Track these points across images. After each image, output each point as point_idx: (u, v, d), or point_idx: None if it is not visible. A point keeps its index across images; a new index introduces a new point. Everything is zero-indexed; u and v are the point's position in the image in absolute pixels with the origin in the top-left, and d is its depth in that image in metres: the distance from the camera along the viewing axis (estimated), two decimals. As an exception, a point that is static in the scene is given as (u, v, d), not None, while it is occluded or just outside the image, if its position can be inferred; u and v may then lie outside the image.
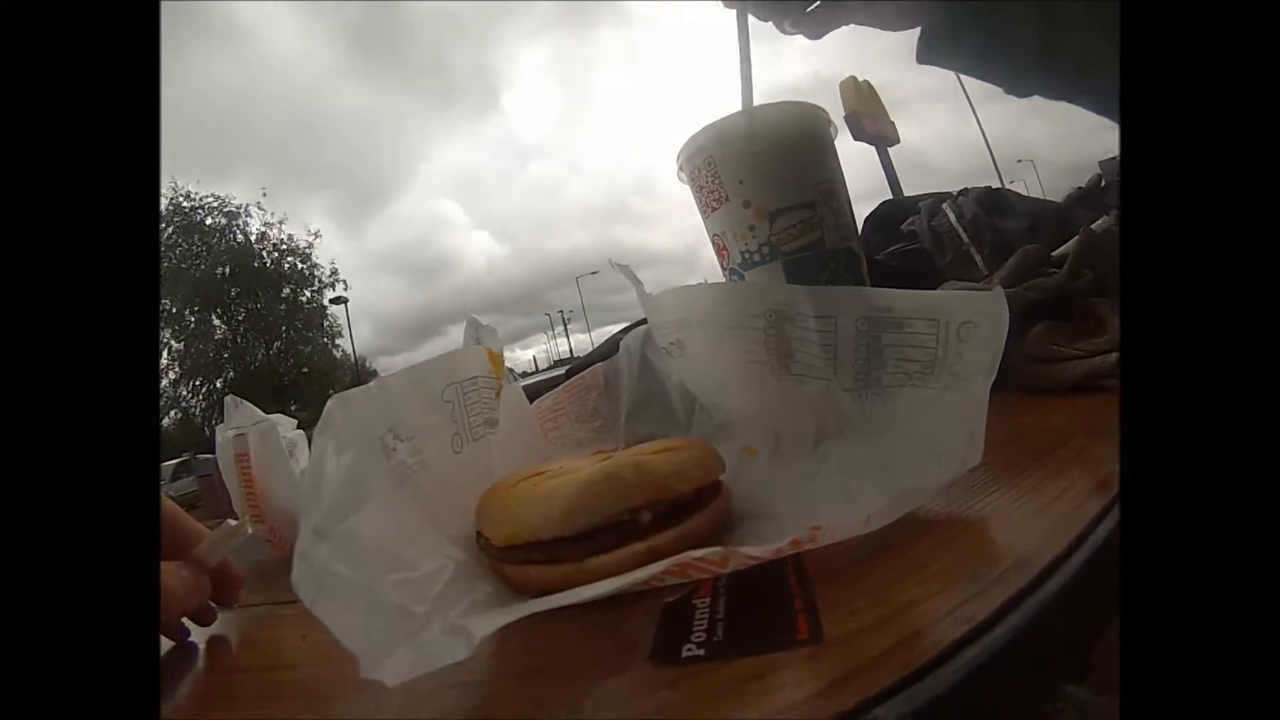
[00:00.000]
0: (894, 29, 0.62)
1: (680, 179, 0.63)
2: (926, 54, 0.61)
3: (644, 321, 0.71)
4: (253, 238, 23.28)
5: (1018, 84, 0.60)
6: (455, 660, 0.28)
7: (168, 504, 0.48)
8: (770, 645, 0.27)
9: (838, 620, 0.28)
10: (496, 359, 0.50)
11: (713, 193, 0.58)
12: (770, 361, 0.48)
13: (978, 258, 0.92)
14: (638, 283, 0.54)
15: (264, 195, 25.43)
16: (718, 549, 0.32)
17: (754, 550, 0.32)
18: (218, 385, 21.75)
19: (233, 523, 0.48)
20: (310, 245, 24.57)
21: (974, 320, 0.41)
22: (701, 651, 0.28)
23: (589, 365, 0.73)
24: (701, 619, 0.31)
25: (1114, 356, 0.56)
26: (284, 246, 23.93)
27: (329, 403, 0.35)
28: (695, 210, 0.61)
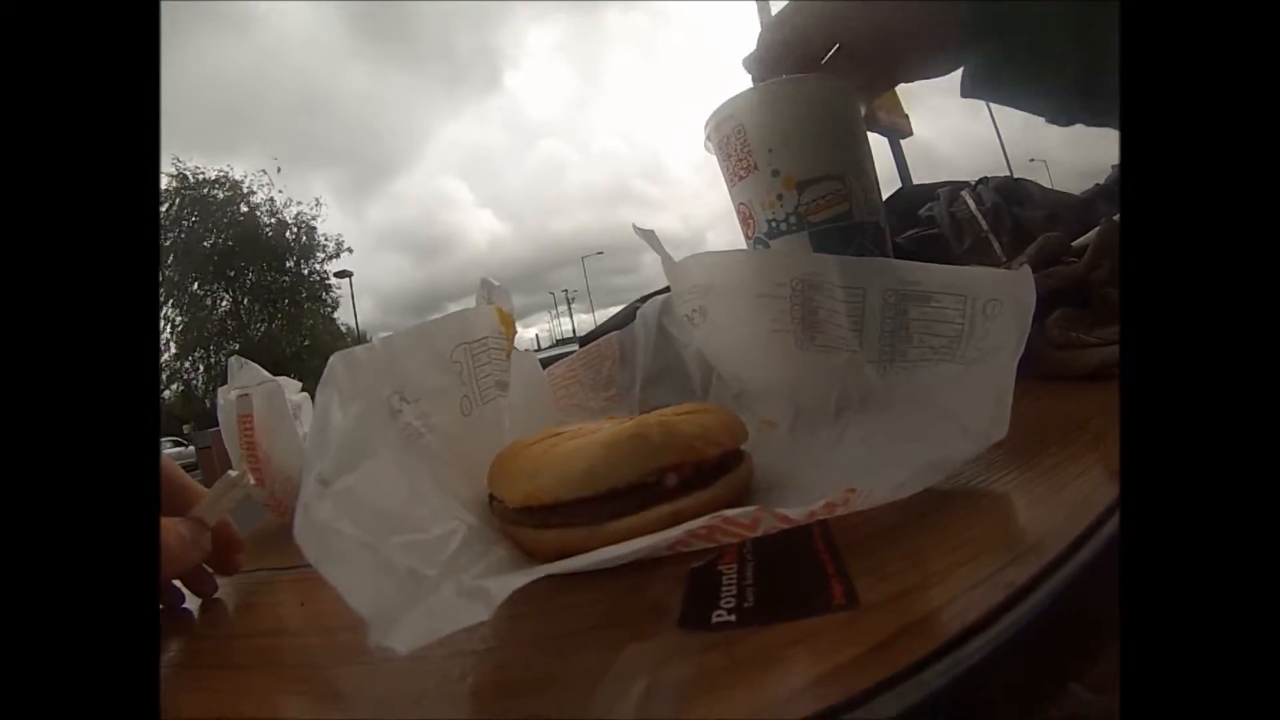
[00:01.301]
0: (941, 75, 0.62)
1: (707, 148, 0.62)
2: (971, 89, 0.60)
3: (661, 291, 0.70)
4: (257, 209, 23.26)
5: (1060, 115, 0.60)
6: (473, 623, 0.27)
7: (167, 463, 0.47)
8: (805, 610, 0.26)
9: (871, 586, 0.27)
10: (507, 318, 0.49)
11: (741, 161, 0.57)
12: (795, 331, 0.48)
13: (996, 245, 0.91)
14: (661, 248, 0.53)
15: (276, 164, 25.03)
16: (750, 509, 0.31)
17: (788, 511, 0.31)
18: (220, 358, 21.74)
19: (233, 473, 0.47)
20: (314, 217, 24.55)
21: (1000, 298, 0.40)
22: (733, 618, 0.27)
23: (605, 334, 0.72)
24: (730, 585, 0.30)
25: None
26: (288, 218, 23.92)
27: (332, 359, 0.34)
28: (702, 196, 0.61)
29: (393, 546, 0.30)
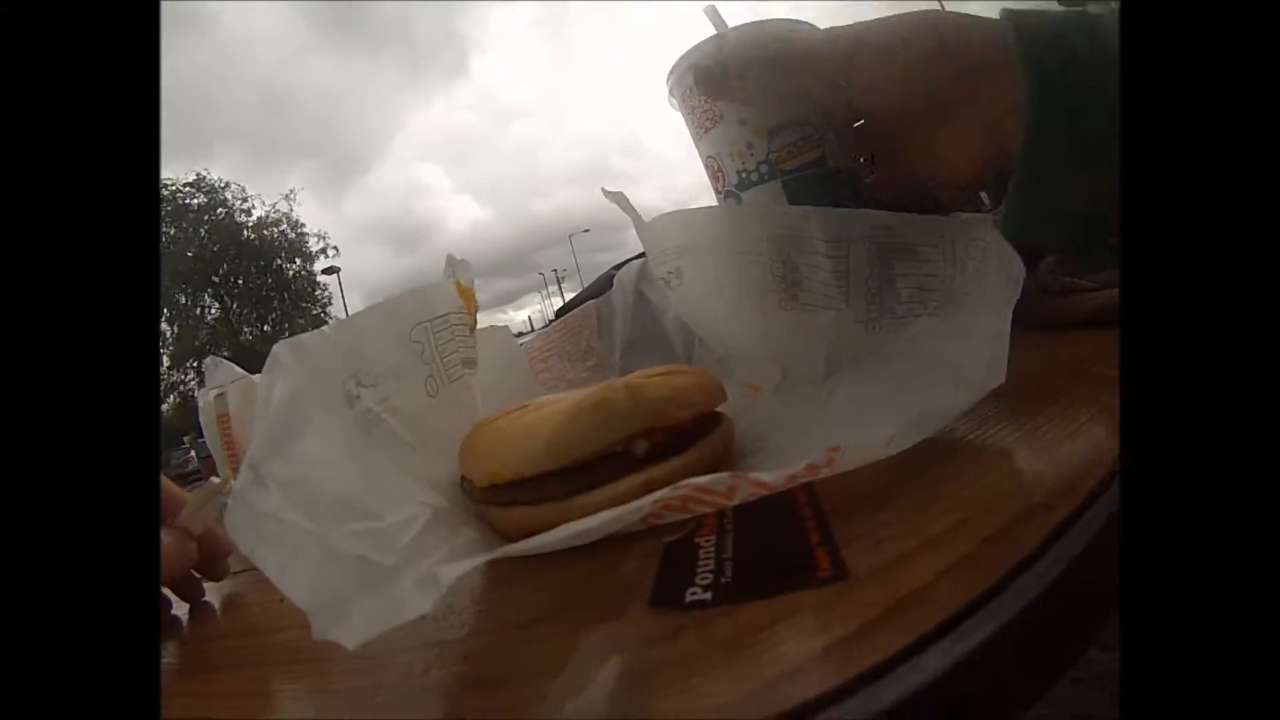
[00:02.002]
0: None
1: (671, 105, 0.59)
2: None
3: (637, 257, 0.68)
4: (234, 211, 23.18)
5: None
6: (418, 614, 0.25)
7: None
8: (787, 585, 0.24)
9: (861, 554, 0.25)
10: (467, 292, 0.47)
11: (705, 112, 0.54)
12: (777, 290, 0.46)
13: (983, 193, 0.90)
14: (632, 210, 0.51)
15: (224, 183, 24.70)
16: (723, 475, 0.29)
17: (765, 477, 0.29)
18: (214, 366, 21.72)
19: (215, 480, 0.46)
20: (291, 210, 24.40)
21: (983, 236, 0.38)
22: (708, 595, 0.25)
23: (582, 304, 0.70)
24: (707, 559, 0.28)
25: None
26: (268, 218, 23.81)
27: (276, 347, 0.33)
28: (683, 168, 0.57)
29: (343, 535, 0.28)
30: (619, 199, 0.50)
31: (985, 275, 0.38)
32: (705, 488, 0.29)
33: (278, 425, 0.30)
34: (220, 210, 22.81)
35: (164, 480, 0.47)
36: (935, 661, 0.20)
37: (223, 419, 0.70)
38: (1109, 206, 0.29)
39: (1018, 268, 0.36)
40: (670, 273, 0.52)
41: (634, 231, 0.51)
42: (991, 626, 0.21)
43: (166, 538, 0.43)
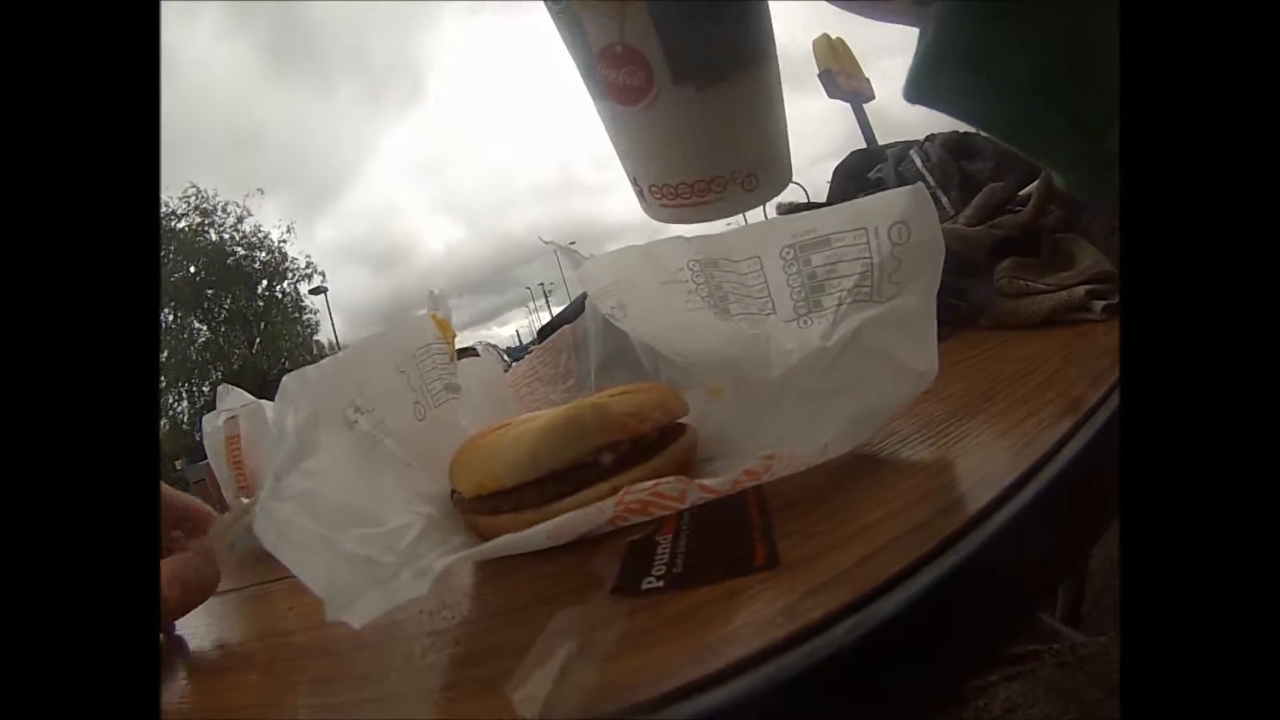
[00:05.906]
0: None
1: None
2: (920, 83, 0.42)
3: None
4: (223, 230, 22.88)
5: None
6: (414, 595, 0.29)
7: (167, 490, 0.48)
8: (728, 573, 0.28)
9: (796, 545, 0.29)
10: (443, 324, 0.49)
11: None
12: (710, 308, 0.47)
13: (944, 199, 0.91)
14: (568, 255, 0.53)
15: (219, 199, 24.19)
16: (672, 480, 0.32)
17: (710, 482, 0.32)
18: (204, 389, 21.39)
19: (245, 500, 0.48)
20: (284, 239, 24.16)
21: (904, 220, 0.38)
22: (661, 584, 0.29)
23: (559, 327, 0.72)
24: (663, 554, 0.31)
25: (1082, 290, 0.57)
26: (255, 241, 23.54)
27: (285, 378, 0.36)
28: None
29: (350, 538, 0.32)
30: (555, 245, 0.54)
31: (909, 258, 0.38)
32: (660, 492, 0.33)
33: (293, 445, 0.33)
34: (210, 232, 22.59)
35: (173, 492, 0.49)
36: (845, 635, 0.23)
37: (231, 442, 0.72)
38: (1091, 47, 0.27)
39: (939, 247, 0.37)
40: (613, 307, 0.53)
41: (609, 244, 0.53)
42: (902, 603, 0.24)
43: (186, 571, 0.43)
